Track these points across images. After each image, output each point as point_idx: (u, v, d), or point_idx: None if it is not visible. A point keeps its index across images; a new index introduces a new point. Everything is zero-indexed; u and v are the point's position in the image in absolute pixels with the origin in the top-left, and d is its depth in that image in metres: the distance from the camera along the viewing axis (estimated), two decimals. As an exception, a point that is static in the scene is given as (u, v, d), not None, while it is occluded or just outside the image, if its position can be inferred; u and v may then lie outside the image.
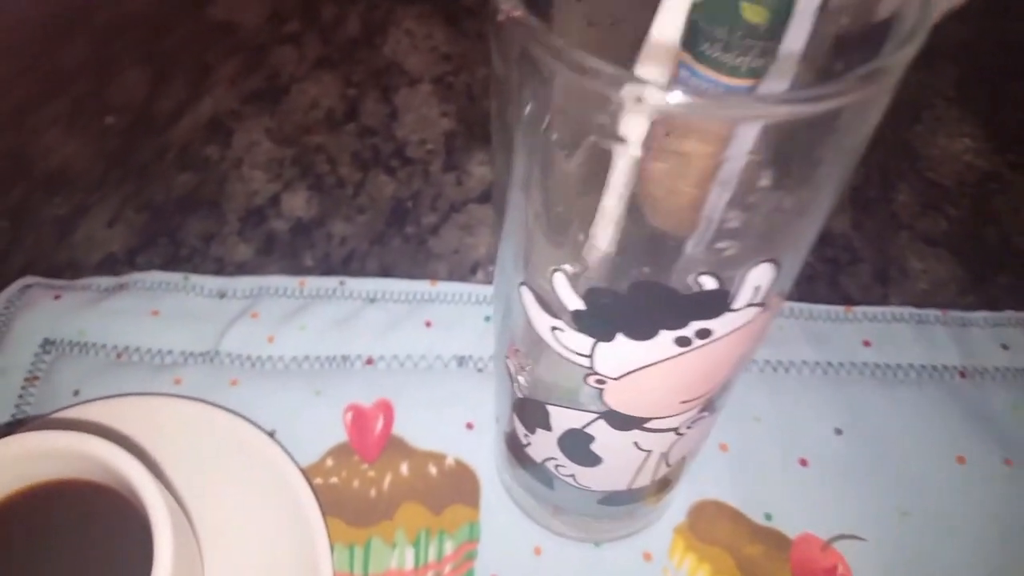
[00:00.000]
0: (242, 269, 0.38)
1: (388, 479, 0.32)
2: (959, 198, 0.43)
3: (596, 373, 0.20)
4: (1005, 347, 0.36)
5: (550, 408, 0.23)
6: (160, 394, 0.33)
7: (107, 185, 0.41)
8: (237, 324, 0.35)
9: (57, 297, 0.36)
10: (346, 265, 0.38)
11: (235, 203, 0.40)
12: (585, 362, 0.20)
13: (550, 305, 0.19)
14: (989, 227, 0.42)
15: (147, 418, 0.31)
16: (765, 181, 0.14)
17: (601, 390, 0.20)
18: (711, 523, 0.31)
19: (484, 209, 0.40)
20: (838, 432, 0.33)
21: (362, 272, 0.38)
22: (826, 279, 0.39)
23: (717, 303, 0.17)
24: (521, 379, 0.23)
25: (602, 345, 0.19)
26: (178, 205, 0.40)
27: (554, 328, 0.19)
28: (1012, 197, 0.43)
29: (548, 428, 0.24)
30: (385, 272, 0.38)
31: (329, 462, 0.32)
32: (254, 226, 0.39)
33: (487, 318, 0.36)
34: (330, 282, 0.37)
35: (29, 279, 0.37)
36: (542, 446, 0.25)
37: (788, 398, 0.34)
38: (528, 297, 0.19)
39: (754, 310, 0.18)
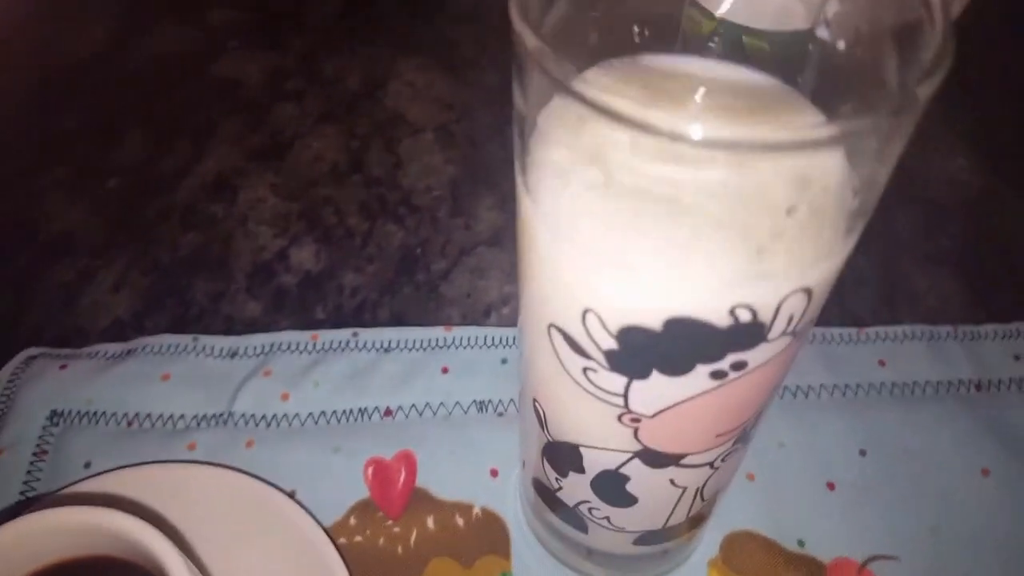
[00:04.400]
0: (252, 326, 0.38)
1: (414, 535, 0.31)
2: (958, 216, 0.43)
3: (631, 412, 0.20)
4: (1017, 358, 0.36)
5: (583, 450, 0.22)
6: (175, 461, 0.33)
7: (112, 249, 0.41)
8: (250, 383, 0.35)
9: (63, 367, 0.36)
10: (358, 316, 0.38)
11: (242, 260, 0.40)
12: (619, 401, 0.19)
13: (581, 346, 0.19)
14: (990, 243, 0.42)
15: (163, 487, 0.30)
16: (800, 209, 0.14)
17: (636, 428, 0.20)
18: (745, 555, 0.31)
19: (494, 252, 0.40)
20: (862, 453, 0.33)
21: (375, 322, 0.38)
22: (835, 303, 0.39)
23: (753, 335, 0.17)
24: (551, 422, 0.23)
25: (636, 383, 0.19)
26: (184, 265, 0.40)
27: (586, 369, 0.19)
28: (1009, 212, 0.43)
29: (581, 471, 0.23)
30: (398, 320, 0.38)
31: (352, 520, 0.31)
32: (262, 282, 0.39)
33: (504, 361, 0.36)
34: (343, 334, 0.37)
35: (33, 350, 0.37)
36: (574, 489, 0.25)
37: (810, 423, 0.34)
38: (558, 339, 0.19)
39: (787, 339, 0.18)
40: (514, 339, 0.37)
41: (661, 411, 0.19)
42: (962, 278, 0.40)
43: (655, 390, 0.19)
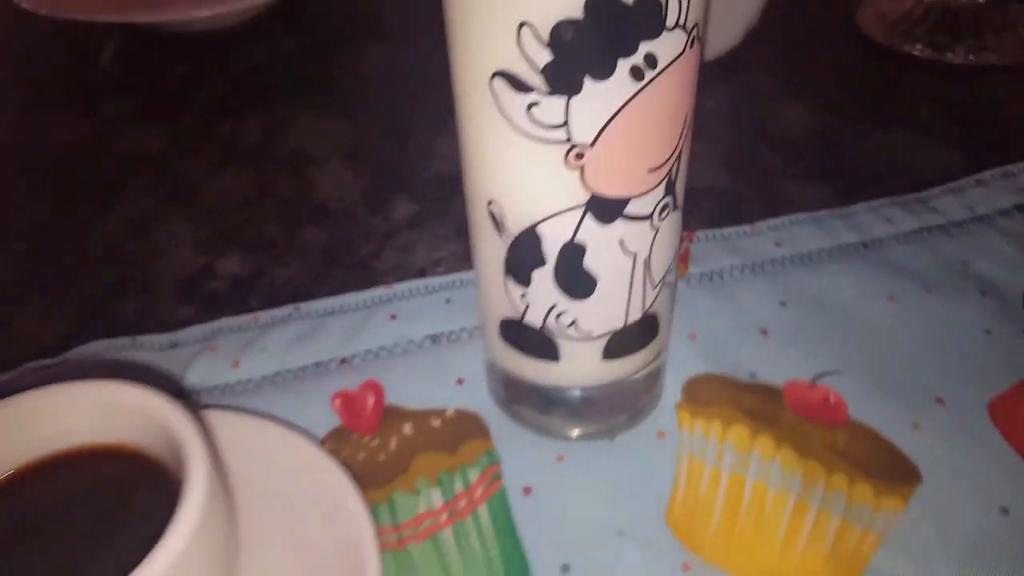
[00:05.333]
0: (188, 326, 0.38)
1: (393, 442, 0.31)
2: (813, 149, 0.50)
3: (573, 143, 0.22)
4: (889, 220, 0.42)
5: (541, 229, 0.25)
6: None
7: (28, 295, 0.40)
8: (197, 361, 0.35)
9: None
10: (294, 301, 0.39)
11: (167, 280, 0.41)
12: (562, 134, 0.22)
13: (519, 76, 0.22)
14: (847, 161, 0.49)
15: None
16: None
17: (581, 169, 0.23)
18: (706, 391, 0.32)
19: (418, 232, 0.43)
20: (783, 304, 0.37)
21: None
22: (724, 216, 0.43)
23: (655, 15, 0.21)
24: (507, 209, 0.25)
25: (574, 102, 0.22)
26: (109, 292, 0.40)
27: (530, 105, 0.22)
28: (858, 141, 0.51)
29: (542, 260, 0.25)
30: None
31: (328, 446, 0.31)
32: (192, 291, 0.40)
33: (448, 300, 0.37)
34: (284, 310, 0.38)
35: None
36: (540, 294, 0.26)
37: (728, 293, 0.37)
38: (499, 84, 0.22)
39: (682, 36, 0.22)
40: (454, 282, 0.38)
41: (599, 135, 0.22)
42: (830, 188, 0.46)
43: (590, 104, 0.22)
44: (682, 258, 0.39)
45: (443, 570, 0.27)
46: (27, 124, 0.55)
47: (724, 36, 0.57)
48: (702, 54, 0.24)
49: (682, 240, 0.40)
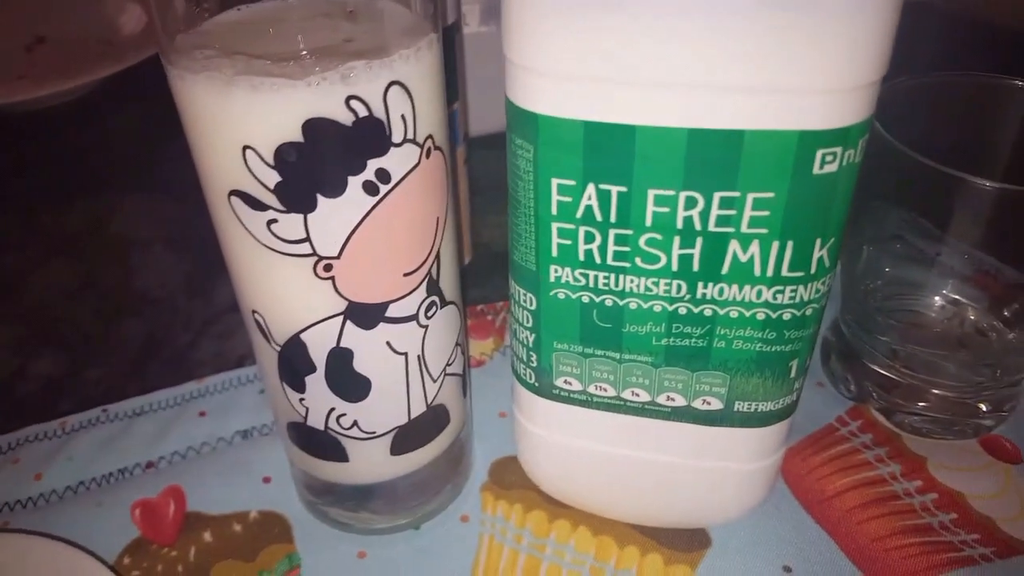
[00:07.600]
0: (-9, 437, 0.36)
1: (193, 551, 0.30)
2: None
3: (320, 256, 0.23)
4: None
5: (304, 337, 0.25)
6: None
7: None
8: (-6, 477, 0.33)
9: None
10: (106, 401, 0.37)
11: (-28, 386, 0.39)
12: (306, 248, 0.23)
13: (254, 195, 0.22)
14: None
15: None
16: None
17: (332, 278, 0.23)
18: (510, 473, 0.33)
19: (239, 317, 0.42)
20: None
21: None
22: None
23: (379, 136, 0.22)
24: (271, 322, 0.25)
25: (312, 220, 0.22)
26: (-96, 407, 0.38)
27: (270, 222, 0.22)
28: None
29: (312, 367, 0.26)
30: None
31: (127, 560, 0.30)
32: (0, 397, 0.38)
33: (262, 391, 0.37)
34: (92, 412, 0.36)
35: None
36: (317, 399, 0.26)
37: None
38: (238, 203, 0.22)
39: (414, 149, 0.23)
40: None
41: (343, 247, 0.23)
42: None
43: (328, 220, 0.22)
44: (499, 330, 0.40)
45: None
46: None
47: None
48: (450, 158, 0.25)
49: (499, 311, 0.42)
